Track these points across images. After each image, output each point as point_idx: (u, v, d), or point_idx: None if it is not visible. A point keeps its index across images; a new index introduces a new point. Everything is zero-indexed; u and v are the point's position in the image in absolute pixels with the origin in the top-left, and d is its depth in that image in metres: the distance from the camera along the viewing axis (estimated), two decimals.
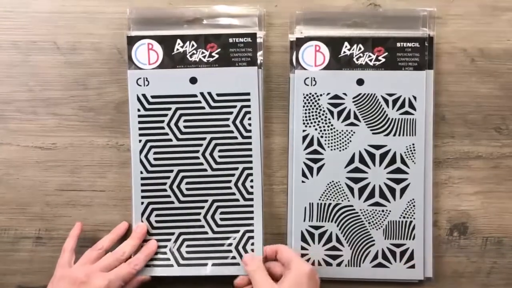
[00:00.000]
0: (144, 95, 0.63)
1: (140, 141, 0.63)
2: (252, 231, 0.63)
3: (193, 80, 0.64)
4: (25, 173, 0.65)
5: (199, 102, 0.63)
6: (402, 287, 0.65)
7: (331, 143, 0.64)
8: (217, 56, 0.63)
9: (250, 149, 0.63)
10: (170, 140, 0.63)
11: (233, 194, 0.64)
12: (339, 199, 0.64)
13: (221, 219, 0.63)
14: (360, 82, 0.64)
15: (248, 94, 0.63)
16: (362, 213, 0.64)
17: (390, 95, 0.64)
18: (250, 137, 0.63)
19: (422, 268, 0.64)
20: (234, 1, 0.65)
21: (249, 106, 0.64)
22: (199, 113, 0.64)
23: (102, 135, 0.65)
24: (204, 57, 0.64)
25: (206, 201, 0.64)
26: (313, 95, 0.64)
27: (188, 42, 0.63)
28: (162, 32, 0.64)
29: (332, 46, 0.64)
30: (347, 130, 0.64)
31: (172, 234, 0.63)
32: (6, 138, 0.65)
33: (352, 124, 0.64)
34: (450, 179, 0.66)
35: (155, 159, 0.63)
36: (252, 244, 0.63)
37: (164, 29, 0.64)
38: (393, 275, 0.64)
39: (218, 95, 0.64)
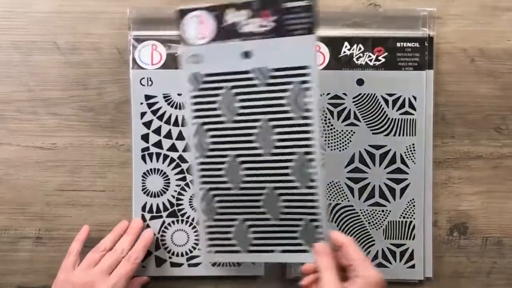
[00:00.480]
0: (196, 73, 0.57)
1: (193, 124, 0.58)
2: (317, 220, 0.58)
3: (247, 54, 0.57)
4: (25, 173, 0.65)
5: (252, 79, 0.57)
6: (402, 287, 0.65)
7: (331, 143, 0.64)
8: None
9: (309, 131, 0.57)
10: (223, 122, 0.58)
11: (293, 181, 0.58)
12: (339, 199, 0.64)
13: (283, 207, 0.59)
14: (360, 82, 0.64)
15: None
16: (362, 213, 0.64)
17: (390, 95, 0.64)
18: (309, 117, 0.56)
19: (422, 268, 0.64)
20: (234, 1, 0.65)
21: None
22: (254, 91, 0.57)
23: (102, 135, 0.65)
24: None
25: (265, 188, 0.59)
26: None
27: None
28: (166, 33, 0.64)
29: (332, 46, 0.64)
30: (347, 130, 0.64)
31: (235, 220, 0.60)
32: (6, 138, 0.65)
33: (352, 124, 0.64)
34: (450, 179, 0.66)
35: (211, 142, 0.59)
36: (320, 232, 0.58)
37: (164, 29, 0.64)
38: (393, 275, 0.64)
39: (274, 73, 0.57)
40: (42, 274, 0.65)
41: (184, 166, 0.64)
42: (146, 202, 0.64)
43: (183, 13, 0.56)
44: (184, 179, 0.64)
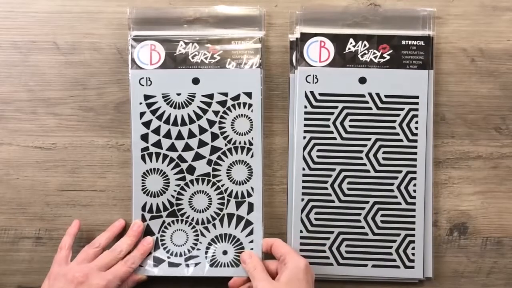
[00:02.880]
0: (312, 93, 0.63)
1: (304, 137, 0.63)
2: (413, 235, 0.63)
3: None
4: (25, 173, 0.65)
5: (366, 102, 0.64)
6: (402, 287, 0.65)
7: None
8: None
9: (415, 153, 0.63)
10: (335, 138, 0.63)
11: (395, 197, 0.64)
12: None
13: (382, 222, 0.63)
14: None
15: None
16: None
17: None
18: (415, 141, 0.64)
19: (422, 268, 0.64)
20: (234, 1, 0.65)
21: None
22: (366, 113, 0.64)
23: (102, 135, 0.65)
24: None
25: (367, 202, 0.64)
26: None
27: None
28: (165, 32, 0.64)
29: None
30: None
31: (331, 233, 0.63)
32: (6, 138, 0.65)
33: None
34: (450, 179, 0.66)
35: (318, 156, 0.63)
36: (413, 248, 0.63)
37: (164, 29, 0.64)
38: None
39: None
40: (42, 274, 0.65)
41: (184, 165, 0.64)
42: (146, 202, 0.64)
43: (306, 37, 0.63)
44: (183, 178, 0.64)
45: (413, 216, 0.64)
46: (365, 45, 0.64)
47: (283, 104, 0.65)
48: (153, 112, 0.64)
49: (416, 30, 0.64)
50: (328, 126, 0.64)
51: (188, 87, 0.64)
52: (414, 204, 0.64)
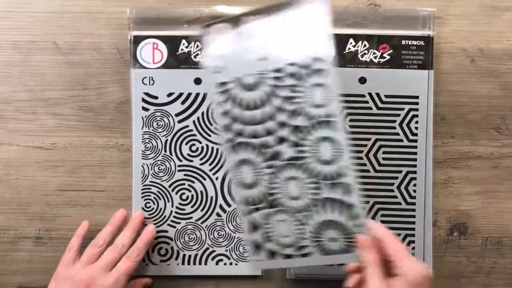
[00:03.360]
0: None
1: None
2: (413, 235, 0.63)
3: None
4: (25, 173, 0.65)
5: (366, 102, 0.63)
6: None
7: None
8: None
9: (415, 153, 0.63)
10: None
11: (395, 197, 0.64)
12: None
13: (382, 222, 0.63)
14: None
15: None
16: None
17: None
18: (415, 141, 0.63)
19: None
20: (234, 1, 0.65)
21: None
22: (366, 113, 0.63)
23: (102, 135, 0.65)
24: None
25: (367, 202, 0.63)
26: None
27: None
28: (167, 32, 0.64)
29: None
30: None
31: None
32: (6, 138, 0.65)
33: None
34: (450, 179, 0.66)
35: None
36: (413, 248, 0.63)
37: (165, 29, 0.64)
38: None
39: None
40: (42, 274, 0.65)
41: (269, 151, 0.62)
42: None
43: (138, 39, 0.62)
44: (271, 166, 0.62)
45: (413, 216, 0.64)
46: (365, 45, 0.64)
47: None
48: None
49: (416, 30, 0.64)
50: None
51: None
52: (414, 204, 0.64)
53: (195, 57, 0.64)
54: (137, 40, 0.64)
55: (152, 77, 0.64)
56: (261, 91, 0.57)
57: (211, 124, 0.64)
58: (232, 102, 0.57)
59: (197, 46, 0.64)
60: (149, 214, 0.64)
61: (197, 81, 0.64)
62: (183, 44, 0.64)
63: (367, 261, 0.52)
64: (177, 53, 0.64)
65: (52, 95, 0.65)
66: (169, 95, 0.64)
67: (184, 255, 0.64)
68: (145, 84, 0.64)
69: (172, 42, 0.64)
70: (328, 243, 0.57)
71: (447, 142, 0.66)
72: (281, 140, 0.57)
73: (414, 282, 0.48)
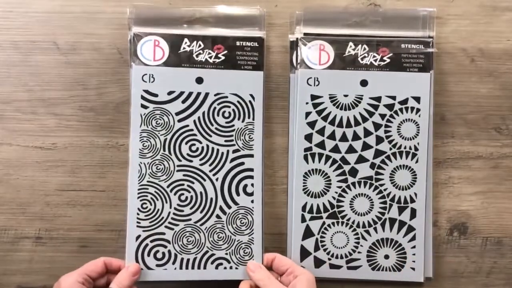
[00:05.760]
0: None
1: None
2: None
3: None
4: (25, 173, 0.65)
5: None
6: (402, 287, 0.65)
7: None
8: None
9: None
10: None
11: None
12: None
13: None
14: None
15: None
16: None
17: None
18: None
19: (422, 268, 0.64)
20: (234, 1, 0.65)
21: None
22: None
23: (102, 135, 0.65)
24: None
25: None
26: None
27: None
28: (169, 30, 0.64)
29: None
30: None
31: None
32: (6, 138, 0.65)
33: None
34: (450, 179, 0.66)
35: None
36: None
37: (165, 29, 0.64)
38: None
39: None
40: (42, 274, 0.65)
41: (346, 167, 0.64)
42: (306, 202, 0.64)
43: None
44: (345, 180, 0.64)
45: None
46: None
47: (283, 104, 0.65)
48: (319, 113, 0.64)
49: (416, 31, 0.64)
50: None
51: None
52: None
53: (197, 56, 0.64)
54: (138, 37, 0.63)
55: (152, 75, 0.63)
56: (356, 112, 0.64)
57: (212, 124, 0.64)
58: (322, 116, 0.63)
59: (199, 46, 0.64)
60: (145, 215, 0.62)
61: (199, 80, 0.64)
62: (185, 42, 0.63)
63: (266, 276, 0.60)
64: (179, 52, 0.63)
65: (52, 95, 0.65)
66: (170, 93, 0.63)
67: (182, 259, 0.63)
68: (145, 82, 0.63)
69: (174, 40, 0.63)
70: (381, 259, 0.63)
71: (447, 142, 0.66)
72: (362, 159, 0.63)
73: (310, 281, 0.58)
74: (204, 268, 0.63)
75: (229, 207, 0.64)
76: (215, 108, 0.64)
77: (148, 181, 0.63)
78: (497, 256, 0.66)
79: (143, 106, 0.63)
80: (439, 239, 0.65)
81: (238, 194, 0.63)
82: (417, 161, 0.64)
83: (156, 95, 0.63)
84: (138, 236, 0.62)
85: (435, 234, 0.65)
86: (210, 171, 0.64)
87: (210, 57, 0.63)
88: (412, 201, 0.64)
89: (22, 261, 0.66)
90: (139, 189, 0.63)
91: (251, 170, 0.63)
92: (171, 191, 0.63)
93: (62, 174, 0.65)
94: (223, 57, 0.64)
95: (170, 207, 0.63)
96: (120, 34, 0.65)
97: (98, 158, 0.65)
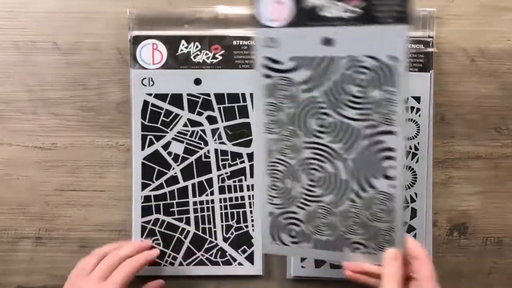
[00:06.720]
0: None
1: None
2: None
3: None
4: (25, 173, 0.65)
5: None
6: None
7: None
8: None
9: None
10: None
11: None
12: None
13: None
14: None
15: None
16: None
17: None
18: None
19: None
20: (234, 1, 0.65)
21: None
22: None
23: (102, 135, 0.65)
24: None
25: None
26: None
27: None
28: (167, 32, 0.64)
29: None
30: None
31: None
32: (6, 138, 0.65)
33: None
34: (450, 179, 0.66)
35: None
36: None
37: (165, 29, 0.64)
38: None
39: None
40: (42, 274, 0.65)
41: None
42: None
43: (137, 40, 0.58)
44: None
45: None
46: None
47: None
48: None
49: (416, 31, 0.64)
50: None
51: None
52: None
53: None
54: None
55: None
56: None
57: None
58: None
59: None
60: (276, 193, 0.58)
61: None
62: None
63: (387, 274, 0.51)
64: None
65: (52, 95, 0.65)
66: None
67: (316, 239, 0.58)
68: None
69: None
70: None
71: (447, 142, 0.66)
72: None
73: (430, 280, 0.48)
74: (340, 250, 0.57)
75: (365, 191, 0.56)
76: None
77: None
78: (497, 256, 0.66)
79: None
80: (439, 239, 0.65)
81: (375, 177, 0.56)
82: (417, 161, 0.64)
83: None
84: (271, 213, 0.58)
85: (435, 234, 0.65)
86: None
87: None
88: (412, 201, 0.64)
89: (22, 261, 0.66)
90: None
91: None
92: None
93: (62, 174, 0.65)
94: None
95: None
96: (120, 34, 0.65)
97: (98, 158, 0.65)
